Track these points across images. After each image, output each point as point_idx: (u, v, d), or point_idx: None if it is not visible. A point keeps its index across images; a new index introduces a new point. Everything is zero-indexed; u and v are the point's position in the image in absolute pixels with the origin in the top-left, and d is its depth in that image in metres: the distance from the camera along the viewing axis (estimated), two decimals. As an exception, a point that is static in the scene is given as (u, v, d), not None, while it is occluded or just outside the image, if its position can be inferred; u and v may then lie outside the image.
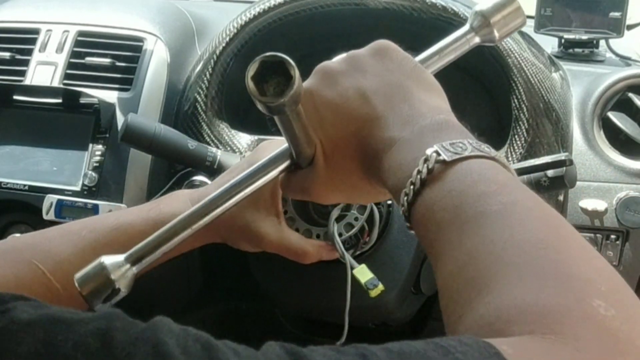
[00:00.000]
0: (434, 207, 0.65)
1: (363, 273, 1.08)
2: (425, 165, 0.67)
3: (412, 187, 0.68)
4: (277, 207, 1.05)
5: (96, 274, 0.78)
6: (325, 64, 0.87)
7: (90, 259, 0.92)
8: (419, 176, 0.67)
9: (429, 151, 0.68)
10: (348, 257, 1.11)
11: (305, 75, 1.59)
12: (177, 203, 1.01)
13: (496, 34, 0.92)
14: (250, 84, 0.69)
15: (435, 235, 0.65)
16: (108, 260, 0.79)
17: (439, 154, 0.67)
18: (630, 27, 1.78)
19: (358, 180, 0.83)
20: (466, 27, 0.93)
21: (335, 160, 0.83)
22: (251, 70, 0.68)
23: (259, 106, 0.71)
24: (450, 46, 0.97)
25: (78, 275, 0.79)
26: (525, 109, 1.36)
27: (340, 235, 1.14)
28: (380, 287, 1.06)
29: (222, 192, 0.87)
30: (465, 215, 0.62)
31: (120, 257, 0.80)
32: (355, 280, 1.08)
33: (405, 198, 0.69)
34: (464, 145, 0.69)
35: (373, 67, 0.84)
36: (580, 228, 1.40)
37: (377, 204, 1.20)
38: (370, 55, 0.86)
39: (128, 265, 0.80)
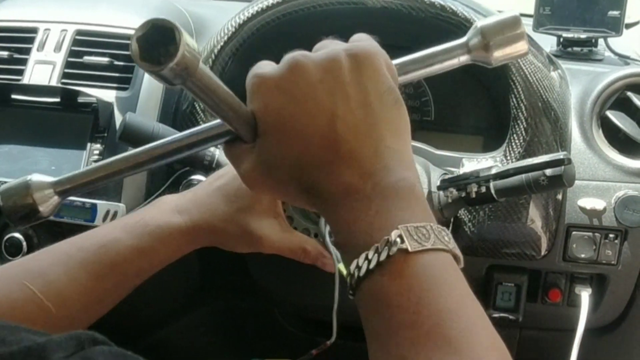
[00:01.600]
0: (389, 294, 0.63)
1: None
2: (387, 247, 0.63)
3: (366, 262, 0.64)
4: (275, 208, 1.05)
5: (19, 190, 0.78)
6: (302, 60, 0.76)
7: (80, 277, 0.93)
8: (376, 255, 0.63)
9: (393, 234, 0.63)
10: (334, 252, 1.11)
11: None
12: (162, 215, 1.01)
13: (492, 59, 0.86)
14: (133, 45, 0.61)
15: (382, 318, 0.63)
16: (35, 179, 0.78)
17: (402, 240, 0.63)
18: (629, 26, 1.78)
19: (294, 194, 0.73)
20: (461, 41, 0.87)
21: (274, 155, 0.71)
22: (139, 31, 0.61)
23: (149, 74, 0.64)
24: (438, 57, 0.92)
25: (2, 187, 0.79)
26: (523, 108, 1.35)
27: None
28: None
29: (168, 141, 0.84)
30: (419, 315, 0.62)
31: (48, 180, 0.79)
32: (340, 275, 1.09)
33: (357, 270, 0.64)
34: (427, 232, 0.66)
35: (351, 86, 0.72)
36: (579, 227, 1.40)
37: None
38: (351, 67, 0.74)
39: (52, 191, 0.78)
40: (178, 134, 0.83)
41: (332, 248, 1.11)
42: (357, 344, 1.59)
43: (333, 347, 1.13)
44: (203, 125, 0.80)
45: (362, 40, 0.82)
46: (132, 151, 0.81)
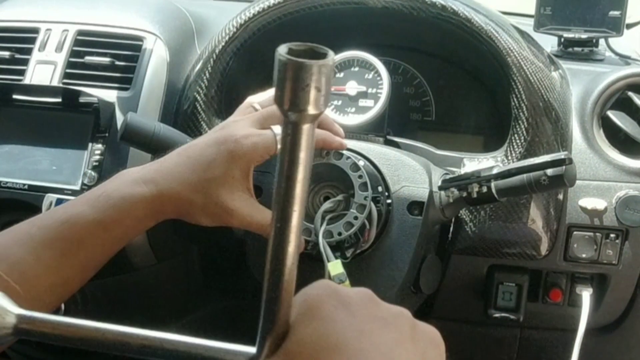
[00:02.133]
0: None
1: (335, 267, 1.08)
2: None
3: None
4: (247, 183, 1.06)
5: None
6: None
7: (44, 255, 0.91)
8: None
9: None
10: (323, 251, 1.11)
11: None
12: (125, 186, 1.00)
13: None
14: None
15: None
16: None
17: None
18: (629, 26, 1.78)
19: None
20: None
21: None
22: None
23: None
24: None
25: None
26: (524, 108, 1.36)
27: (339, 234, 1.14)
28: (347, 284, 1.06)
29: (174, 340, 0.65)
30: None
31: (13, 310, 0.64)
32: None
33: None
34: None
35: None
36: (580, 227, 1.40)
37: (375, 203, 1.20)
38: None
39: (11, 324, 0.64)
40: (190, 340, 0.65)
41: (322, 248, 1.11)
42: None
43: None
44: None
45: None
46: (128, 329, 0.64)
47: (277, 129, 1.10)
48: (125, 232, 1.00)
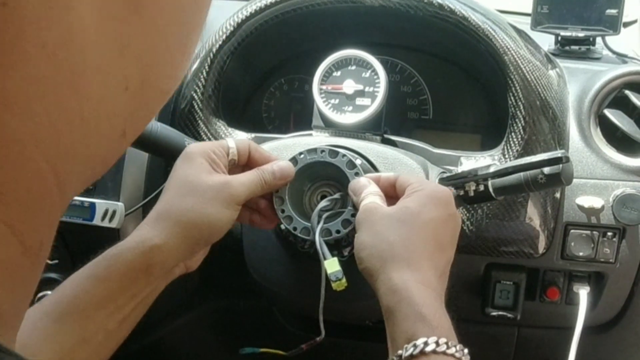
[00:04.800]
0: None
1: (332, 265, 1.08)
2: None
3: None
4: (217, 166, 1.08)
5: None
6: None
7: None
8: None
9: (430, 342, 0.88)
10: (320, 249, 1.11)
11: (304, 72, 1.60)
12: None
13: None
14: None
15: None
16: None
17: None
18: (626, 25, 1.78)
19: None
20: None
21: None
22: None
23: None
24: None
25: None
26: (521, 107, 1.36)
27: (337, 232, 1.14)
28: (344, 282, 1.06)
29: None
30: None
31: None
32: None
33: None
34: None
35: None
36: (577, 225, 1.40)
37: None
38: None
39: None
40: None
41: (319, 246, 1.11)
42: (348, 341, 1.60)
43: (326, 345, 1.13)
44: None
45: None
46: None
47: (229, 140, 1.14)
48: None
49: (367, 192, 1.09)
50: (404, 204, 1.02)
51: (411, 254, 0.96)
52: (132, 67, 0.46)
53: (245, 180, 1.08)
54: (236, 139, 1.18)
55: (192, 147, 1.09)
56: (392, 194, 1.10)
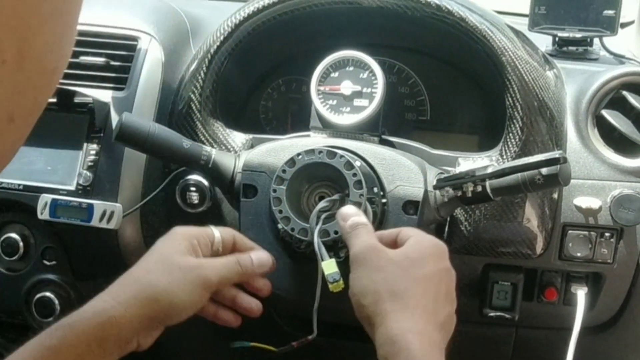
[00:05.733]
0: None
1: (329, 266, 1.09)
2: None
3: None
4: (196, 253, 1.08)
5: None
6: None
7: None
8: None
9: None
10: (318, 250, 1.11)
11: (302, 73, 1.60)
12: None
13: None
14: None
15: None
16: None
17: None
18: (624, 25, 1.78)
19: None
20: None
21: None
22: None
23: None
24: None
25: None
26: (519, 107, 1.36)
27: (336, 233, 1.14)
28: (341, 283, 1.06)
29: None
30: None
31: None
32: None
33: None
34: None
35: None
36: (575, 226, 1.40)
37: (370, 203, 1.20)
38: None
39: None
40: None
41: (317, 247, 1.11)
42: (340, 342, 1.59)
43: (322, 345, 1.13)
44: None
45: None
46: None
47: (214, 229, 1.15)
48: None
49: (357, 221, 1.08)
50: (406, 252, 1.01)
51: (413, 305, 0.95)
52: (6, 37, 0.43)
53: (219, 265, 1.07)
54: (221, 228, 1.14)
55: (178, 228, 1.10)
56: (392, 246, 1.07)
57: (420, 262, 0.99)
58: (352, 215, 1.08)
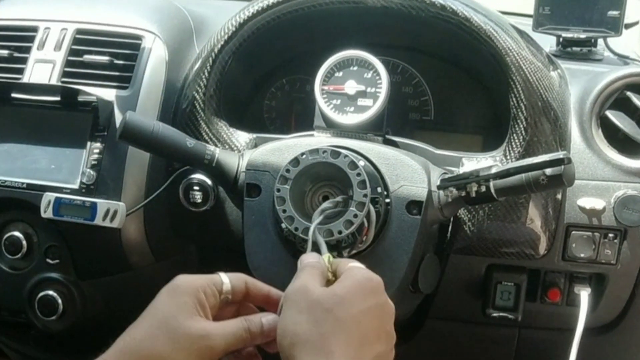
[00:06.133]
0: None
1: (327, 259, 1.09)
2: None
3: None
4: (204, 309, 0.97)
5: None
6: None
7: None
8: None
9: None
10: (321, 242, 1.11)
11: (306, 72, 1.60)
12: None
13: None
14: None
15: None
16: None
17: None
18: (628, 26, 1.77)
19: None
20: None
21: None
22: None
23: None
24: None
25: None
26: (523, 108, 1.35)
27: (339, 232, 1.14)
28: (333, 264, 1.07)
29: None
30: None
31: None
32: None
33: None
34: None
35: None
36: (578, 227, 1.40)
37: (374, 203, 1.20)
38: None
39: None
40: None
41: (314, 237, 1.10)
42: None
43: None
44: None
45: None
46: None
47: (223, 275, 1.02)
48: None
49: (305, 263, 0.99)
50: (334, 291, 0.92)
51: (329, 349, 0.88)
52: None
53: (228, 333, 0.96)
54: (231, 274, 1.02)
55: (181, 280, 0.98)
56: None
57: (348, 301, 0.90)
58: (305, 260, 1.00)
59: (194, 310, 0.94)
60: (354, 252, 1.21)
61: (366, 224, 1.18)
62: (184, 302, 0.94)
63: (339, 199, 1.18)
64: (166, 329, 0.91)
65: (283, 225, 1.19)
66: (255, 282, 1.04)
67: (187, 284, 0.97)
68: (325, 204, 1.16)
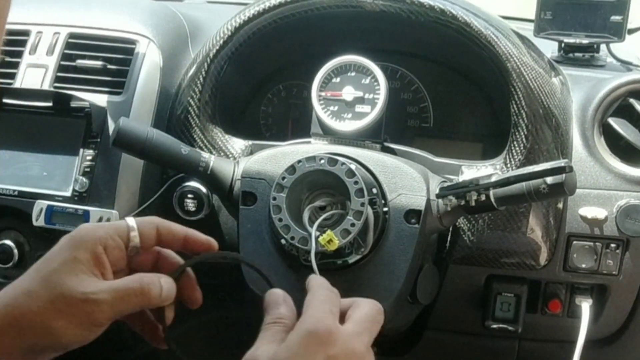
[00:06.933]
0: None
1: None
2: None
3: None
4: (100, 266, 0.87)
5: None
6: None
7: None
8: None
9: None
10: (312, 232, 1.11)
11: (303, 78, 1.58)
12: None
13: None
14: None
15: None
16: None
17: None
18: (631, 32, 1.76)
19: None
20: None
21: None
22: None
23: None
24: None
25: None
26: (524, 115, 1.34)
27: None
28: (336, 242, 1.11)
29: None
30: None
31: None
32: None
33: None
34: None
35: None
36: (580, 236, 1.38)
37: (373, 209, 1.19)
38: None
39: None
40: None
41: (313, 244, 1.10)
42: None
43: None
44: None
45: None
46: None
47: (131, 220, 0.92)
48: None
49: (273, 317, 0.89)
50: (287, 342, 0.81)
51: None
52: None
53: (115, 295, 0.85)
54: (140, 219, 0.93)
55: (81, 231, 0.89)
56: None
57: (294, 357, 0.79)
58: (271, 307, 0.91)
59: (84, 267, 0.85)
60: (352, 260, 1.19)
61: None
62: (74, 257, 0.85)
63: (335, 210, 1.18)
64: (47, 286, 0.83)
65: (282, 241, 1.18)
66: (170, 226, 0.95)
67: (86, 236, 0.88)
68: (323, 217, 1.16)
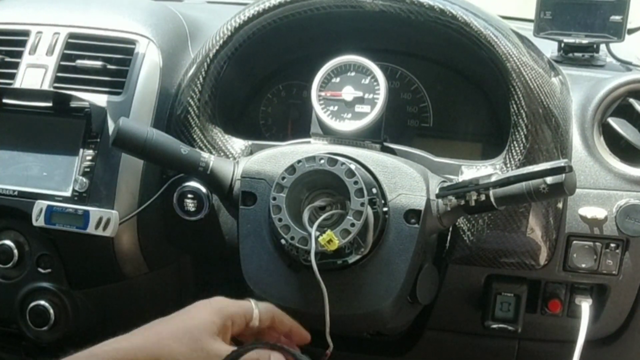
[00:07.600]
0: None
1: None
2: None
3: None
4: (226, 335, 1.04)
5: None
6: None
7: None
8: None
9: None
10: (311, 232, 1.12)
11: (302, 78, 1.58)
12: None
13: None
14: None
15: None
16: None
17: None
18: (631, 31, 1.76)
19: None
20: None
21: None
22: None
23: None
24: None
25: None
26: (524, 115, 1.34)
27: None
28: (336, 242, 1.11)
29: None
30: None
31: None
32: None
33: None
34: None
35: None
36: (580, 236, 1.38)
37: (373, 209, 1.18)
38: None
39: None
40: None
41: (313, 246, 1.10)
42: (346, 353, 1.58)
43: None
44: None
45: None
46: None
47: (255, 306, 1.10)
48: None
49: None
50: None
51: None
52: None
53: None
54: (262, 305, 1.10)
55: (219, 303, 1.07)
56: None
57: None
58: None
59: (217, 332, 1.01)
60: (352, 260, 1.19)
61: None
62: (213, 321, 1.01)
63: (335, 211, 1.18)
64: (190, 338, 0.97)
65: (282, 241, 1.17)
66: (282, 318, 1.12)
67: (221, 307, 1.05)
68: (322, 217, 1.16)
